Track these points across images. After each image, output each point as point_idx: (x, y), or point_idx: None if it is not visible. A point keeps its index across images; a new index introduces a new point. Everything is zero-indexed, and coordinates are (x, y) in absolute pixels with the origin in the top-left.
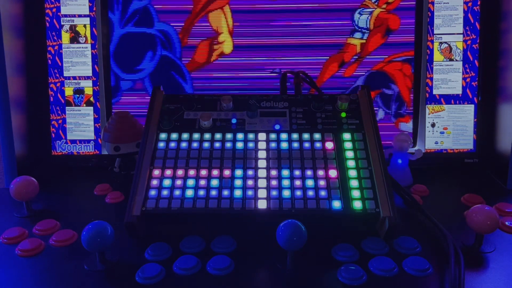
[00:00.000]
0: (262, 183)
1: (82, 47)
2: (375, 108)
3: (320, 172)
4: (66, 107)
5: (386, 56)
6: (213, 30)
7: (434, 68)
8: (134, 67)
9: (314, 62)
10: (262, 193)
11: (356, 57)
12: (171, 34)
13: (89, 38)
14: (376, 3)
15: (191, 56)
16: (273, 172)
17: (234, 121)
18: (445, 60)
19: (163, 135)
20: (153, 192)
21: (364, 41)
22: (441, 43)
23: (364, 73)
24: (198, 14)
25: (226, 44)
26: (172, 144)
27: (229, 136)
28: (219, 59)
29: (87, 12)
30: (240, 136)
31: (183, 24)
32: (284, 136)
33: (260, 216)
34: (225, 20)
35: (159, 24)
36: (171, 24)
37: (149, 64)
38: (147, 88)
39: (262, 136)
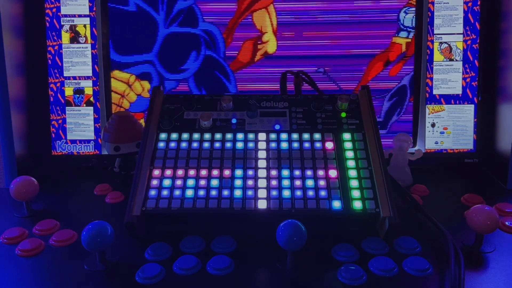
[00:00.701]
0: (262, 183)
1: (82, 47)
2: None
3: (320, 172)
4: (66, 107)
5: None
6: (257, 29)
7: (434, 68)
8: (178, 67)
9: (359, 62)
10: (262, 193)
11: (402, 56)
12: (215, 34)
13: (89, 38)
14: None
15: (235, 56)
16: (273, 172)
17: (234, 121)
18: (445, 60)
19: (163, 135)
20: (153, 192)
21: (409, 40)
22: (441, 43)
23: (409, 72)
24: (242, 14)
25: (270, 43)
26: (172, 144)
27: (229, 136)
28: (263, 58)
29: (87, 12)
30: (240, 136)
31: (227, 24)
32: (284, 136)
33: (260, 216)
34: (269, 19)
35: (204, 24)
36: (215, 24)
37: (193, 64)
38: (191, 88)
39: (262, 136)
